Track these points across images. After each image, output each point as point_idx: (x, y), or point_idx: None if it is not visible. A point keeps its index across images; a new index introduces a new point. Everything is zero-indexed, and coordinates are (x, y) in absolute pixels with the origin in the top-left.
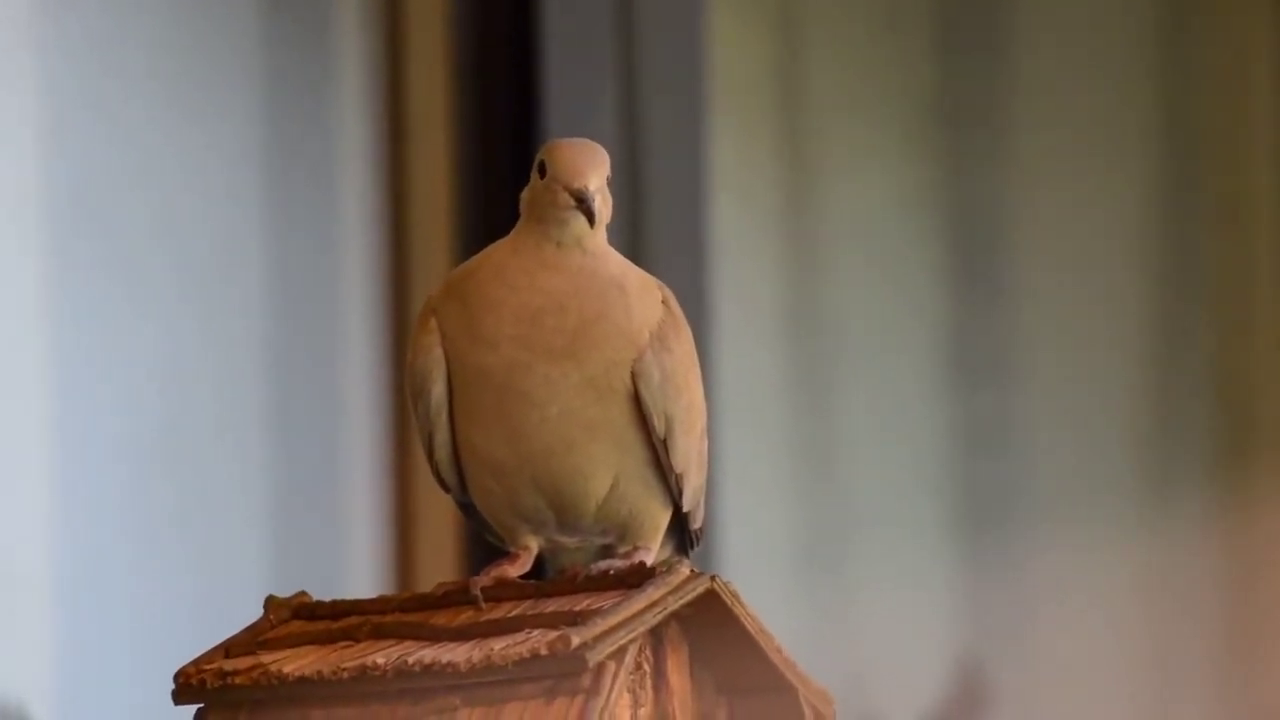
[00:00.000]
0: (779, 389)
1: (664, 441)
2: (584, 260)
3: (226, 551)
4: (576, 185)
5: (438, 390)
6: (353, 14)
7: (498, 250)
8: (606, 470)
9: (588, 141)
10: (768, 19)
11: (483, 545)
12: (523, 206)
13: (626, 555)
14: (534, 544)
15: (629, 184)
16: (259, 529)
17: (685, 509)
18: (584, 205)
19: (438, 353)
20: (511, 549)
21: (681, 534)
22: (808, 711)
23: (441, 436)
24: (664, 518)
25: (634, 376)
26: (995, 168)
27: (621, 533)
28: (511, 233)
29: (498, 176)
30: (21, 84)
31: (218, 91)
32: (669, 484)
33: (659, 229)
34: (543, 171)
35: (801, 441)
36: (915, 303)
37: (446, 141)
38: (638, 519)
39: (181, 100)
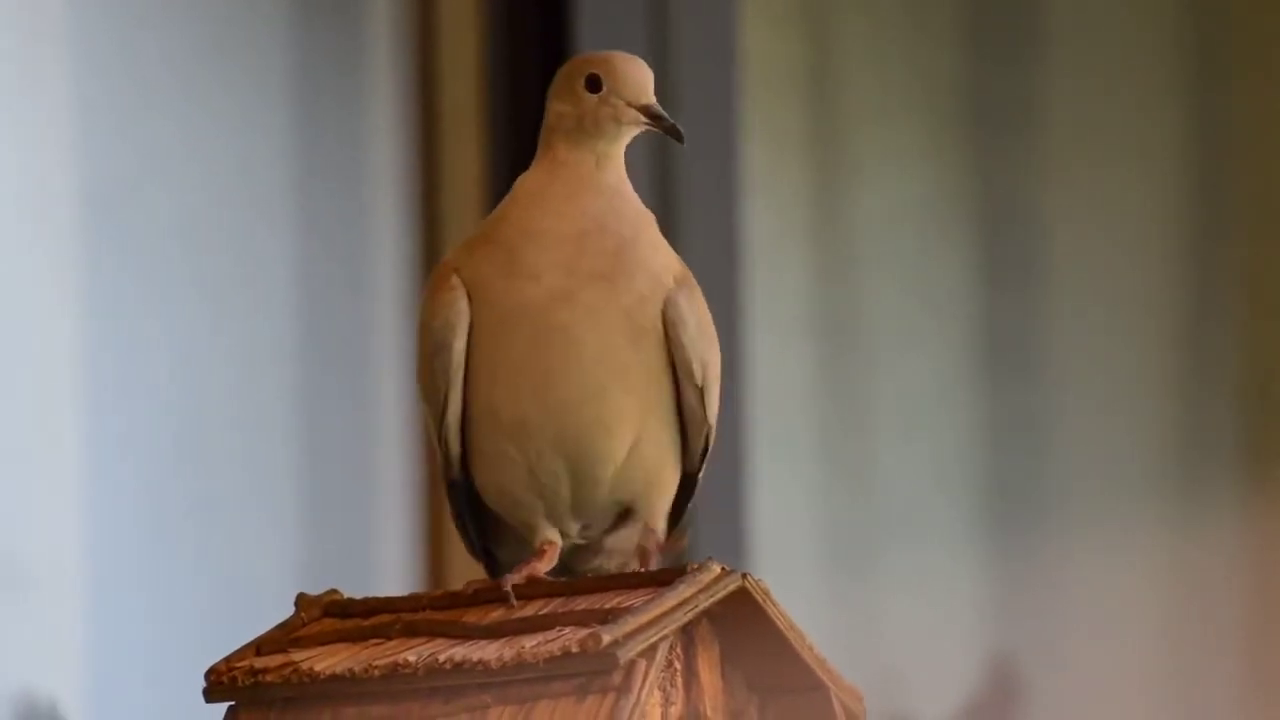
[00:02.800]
0: (810, 389)
1: (701, 390)
2: (618, 183)
3: (257, 549)
4: (644, 100)
5: (459, 345)
6: (386, 18)
7: (527, 181)
8: (629, 427)
9: (638, 58)
10: (799, 23)
11: None
12: (557, 121)
13: (643, 542)
14: (557, 537)
15: (661, 186)
16: (289, 526)
17: (700, 470)
18: (663, 122)
19: (461, 306)
20: (536, 543)
21: (677, 508)
22: (838, 709)
23: (456, 395)
24: (672, 489)
25: (666, 322)
26: (1025, 169)
27: (633, 503)
28: (538, 159)
29: None
30: (51, 90)
31: (246, 89)
32: (682, 449)
33: (691, 231)
34: (594, 86)
35: (832, 441)
36: (945, 304)
37: (478, 142)
38: (651, 488)
39: (210, 102)
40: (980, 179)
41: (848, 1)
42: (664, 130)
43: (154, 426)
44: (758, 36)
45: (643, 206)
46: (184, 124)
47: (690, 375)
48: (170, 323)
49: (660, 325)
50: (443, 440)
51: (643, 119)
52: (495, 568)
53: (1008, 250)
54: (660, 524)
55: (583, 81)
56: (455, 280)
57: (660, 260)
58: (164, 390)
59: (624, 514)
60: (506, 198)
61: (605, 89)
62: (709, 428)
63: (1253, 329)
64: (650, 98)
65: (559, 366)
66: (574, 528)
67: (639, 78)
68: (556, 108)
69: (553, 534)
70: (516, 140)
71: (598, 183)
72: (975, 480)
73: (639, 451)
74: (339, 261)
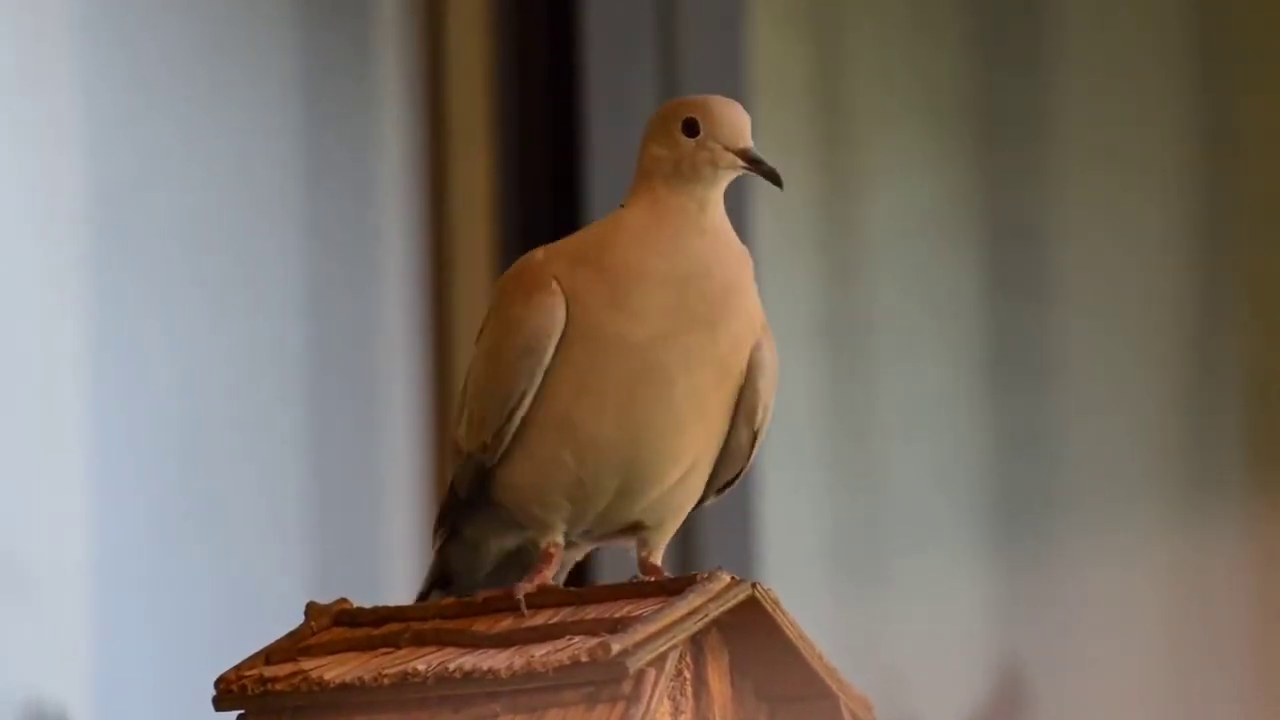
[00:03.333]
0: (817, 396)
1: (755, 433)
2: (720, 224)
3: (267, 558)
4: (742, 145)
5: (550, 351)
6: (392, 20)
7: (631, 216)
8: (689, 459)
9: (735, 102)
10: (806, 30)
11: None
12: (653, 164)
13: (643, 571)
14: (562, 539)
15: None
16: (299, 534)
17: (707, 500)
18: (761, 166)
19: (560, 314)
20: (543, 544)
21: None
22: (848, 718)
23: (529, 398)
24: (684, 516)
25: (751, 364)
26: (1032, 175)
27: (655, 527)
28: (638, 196)
29: (538, 185)
30: (55, 91)
31: (251, 90)
32: (706, 484)
33: None
34: (691, 130)
35: (840, 448)
36: (952, 311)
37: (486, 143)
38: (675, 514)
39: (214, 103)
40: (987, 186)
41: (856, 9)
42: (762, 174)
43: (158, 428)
44: (765, 44)
45: (743, 248)
46: (189, 125)
47: (752, 417)
48: (174, 324)
49: (743, 369)
50: (498, 435)
51: (740, 163)
52: (449, 576)
53: (1015, 257)
54: (659, 555)
55: (679, 125)
56: (556, 286)
57: (752, 301)
58: (168, 392)
59: (624, 529)
60: (607, 224)
61: (702, 133)
62: (746, 466)
63: (1258, 336)
64: (748, 141)
65: (646, 399)
66: (578, 531)
67: (736, 121)
68: (653, 151)
69: (560, 536)
70: (524, 140)
71: (701, 226)
72: (981, 486)
73: (683, 481)
74: (344, 263)
